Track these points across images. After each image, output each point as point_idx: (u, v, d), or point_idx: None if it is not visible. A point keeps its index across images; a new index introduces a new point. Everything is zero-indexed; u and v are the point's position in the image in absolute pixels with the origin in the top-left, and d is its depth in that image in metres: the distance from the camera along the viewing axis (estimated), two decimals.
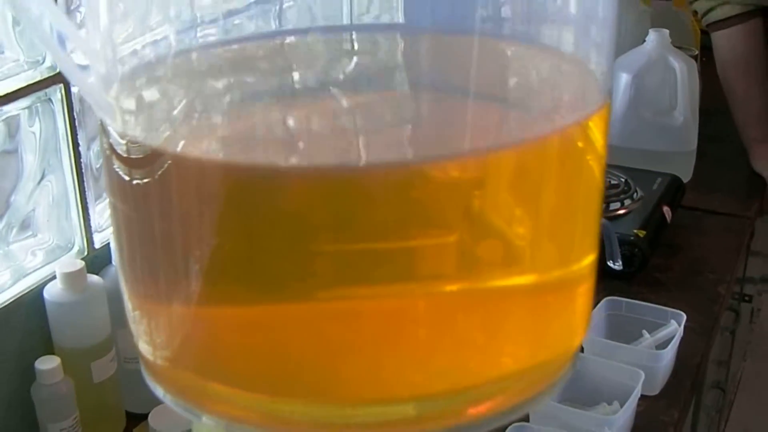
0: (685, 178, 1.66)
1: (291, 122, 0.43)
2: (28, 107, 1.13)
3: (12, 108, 1.10)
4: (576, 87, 0.46)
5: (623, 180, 1.54)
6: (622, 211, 1.48)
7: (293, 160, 0.40)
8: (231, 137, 0.42)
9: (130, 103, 0.43)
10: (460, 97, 0.43)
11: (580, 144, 0.42)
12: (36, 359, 1.10)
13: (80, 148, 1.17)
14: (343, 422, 0.41)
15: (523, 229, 0.41)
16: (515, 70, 0.46)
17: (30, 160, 1.15)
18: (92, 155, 1.21)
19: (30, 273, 1.16)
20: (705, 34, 2.14)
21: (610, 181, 1.54)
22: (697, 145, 1.72)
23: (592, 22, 0.45)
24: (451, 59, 0.46)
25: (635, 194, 1.51)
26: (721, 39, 1.83)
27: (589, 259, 0.45)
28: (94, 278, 1.14)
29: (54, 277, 1.12)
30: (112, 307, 1.14)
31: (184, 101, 0.43)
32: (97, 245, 1.22)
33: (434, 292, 0.40)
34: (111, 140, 0.41)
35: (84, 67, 0.41)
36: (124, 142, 0.40)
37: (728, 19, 1.80)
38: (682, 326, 1.23)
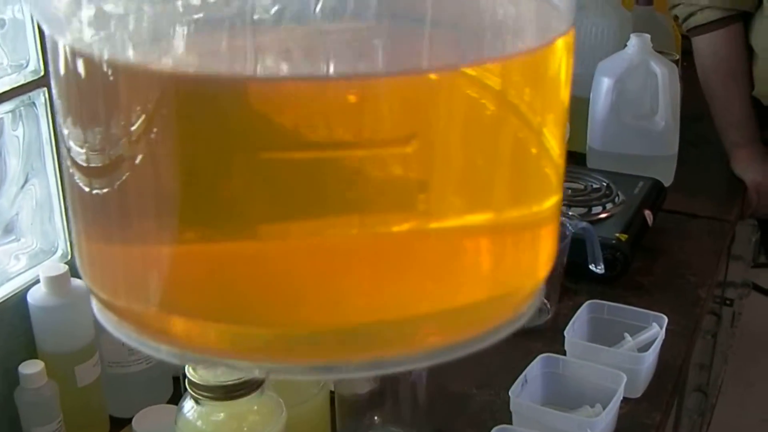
0: (667, 182, 1.67)
1: (241, 40, 0.42)
2: (12, 111, 1.13)
3: None
4: (536, 12, 0.46)
5: (605, 184, 1.55)
6: (603, 215, 1.49)
7: (235, 70, 0.39)
8: (178, 49, 0.41)
9: (82, 15, 0.42)
10: (421, 24, 0.44)
11: (539, 71, 0.42)
12: (19, 363, 1.09)
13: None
14: (295, 346, 0.42)
15: (477, 158, 0.41)
16: None
17: (13, 163, 1.15)
18: None
19: (13, 277, 1.16)
20: (686, 38, 2.15)
21: (591, 185, 1.55)
22: (678, 149, 1.73)
23: None
24: None
25: (617, 198, 1.52)
26: (701, 44, 1.84)
27: (551, 201, 0.46)
28: (77, 282, 1.13)
29: (37, 281, 1.12)
30: None
31: (137, 15, 0.42)
32: None
33: (387, 219, 0.40)
34: (60, 62, 0.41)
35: None
36: (71, 59, 0.40)
37: (709, 24, 1.81)
38: (664, 329, 1.24)
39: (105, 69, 0.39)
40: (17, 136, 1.15)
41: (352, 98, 0.38)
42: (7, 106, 1.11)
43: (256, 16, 0.44)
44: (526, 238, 0.46)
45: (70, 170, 0.43)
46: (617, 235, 1.43)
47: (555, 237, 0.48)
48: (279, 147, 0.38)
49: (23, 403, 1.10)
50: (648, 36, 1.67)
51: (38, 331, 1.13)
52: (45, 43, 1.15)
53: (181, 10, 0.44)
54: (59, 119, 0.44)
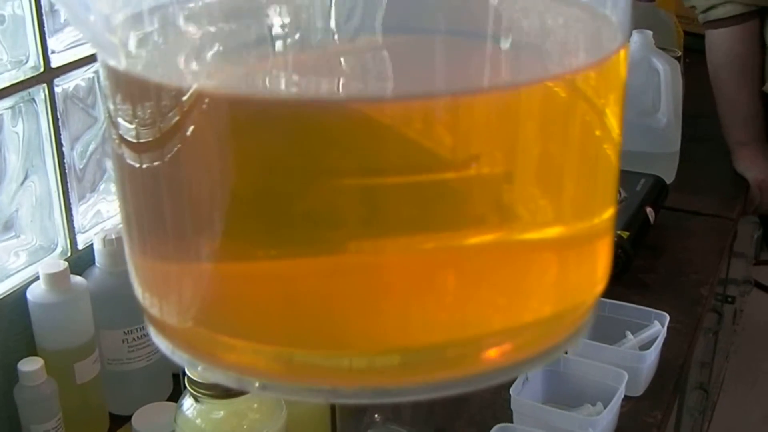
0: (669, 179, 1.66)
1: (311, 60, 0.43)
2: (11, 107, 1.12)
3: None
4: (589, 31, 0.46)
5: None
6: None
7: (308, 92, 0.39)
8: (242, 72, 0.41)
9: (135, 41, 0.42)
10: (475, 41, 0.43)
11: (593, 87, 0.42)
12: (19, 360, 1.09)
13: (63, 149, 1.17)
14: (357, 371, 0.41)
15: (543, 176, 0.41)
16: (526, 14, 0.46)
17: (13, 160, 1.15)
18: (75, 156, 1.21)
19: (13, 274, 1.16)
20: (689, 35, 2.15)
21: None
22: (680, 146, 1.72)
23: None
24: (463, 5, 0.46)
25: (619, 195, 1.51)
26: (717, 38, 1.84)
27: (609, 213, 0.45)
28: (77, 279, 1.13)
29: (37, 278, 1.12)
30: (95, 308, 1.14)
31: (194, 39, 0.43)
32: (80, 246, 1.22)
33: (451, 241, 0.39)
34: (111, 86, 0.41)
35: (85, 6, 0.41)
36: (126, 83, 0.40)
37: (728, 18, 1.80)
38: (665, 327, 1.24)
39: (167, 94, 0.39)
40: (17, 133, 1.15)
41: (430, 118, 0.38)
42: (7, 102, 1.11)
43: (310, 36, 0.44)
44: (590, 250, 0.45)
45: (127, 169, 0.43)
46: (619, 232, 1.42)
47: (611, 249, 0.47)
48: (354, 168, 0.38)
49: (22, 401, 1.10)
50: (650, 32, 1.66)
51: (37, 328, 1.13)
52: (45, 39, 1.16)
53: (232, 27, 0.44)
54: (109, 144, 0.44)
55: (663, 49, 1.71)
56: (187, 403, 0.89)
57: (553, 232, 0.42)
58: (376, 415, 1.10)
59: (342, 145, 0.38)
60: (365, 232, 0.39)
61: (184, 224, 0.40)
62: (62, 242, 1.20)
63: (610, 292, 1.40)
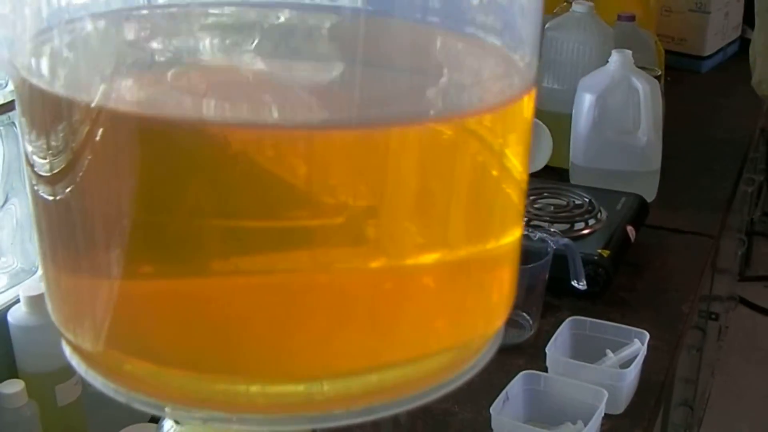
0: (649, 197, 1.67)
1: (198, 82, 0.43)
2: None
3: None
4: (496, 72, 0.47)
5: (587, 200, 1.55)
6: (586, 231, 1.49)
7: (183, 114, 0.39)
8: (136, 90, 0.41)
9: (45, 62, 0.42)
10: (378, 72, 0.44)
11: (488, 129, 0.42)
12: None
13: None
14: (247, 400, 0.41)
15: (431, 205, 0.41)
16: (436, 51, 0.47)
17: None
18: None
19: None
20: (669, 54, 2.17)
21: (574, 201, 1.55)
22: (661, 164, 1.73)
23: (517, 13, 0.46)
24: (376, 38, 0.47)
25: (599, 214, 1.52)
26: None
27: (505, 241, 0.46)
28: None
29: (18, 301, 1.12)
30: None
31: (99, 58, 0.43)
32: None
33: (338, 268, 0.40)
34: (23, 106, 0.41)
35: None
36: (37, 109, 0.40)
37: None
38: (645, 345, 1.24)
39: (64, 105, 0.39)
40: None
41: (304, 145, 0.39)
42: None
43: (209, 56, 0.44)
44: (482, 282, 0.46)
45: (36, 193, 0.43)
46: (599, 251, 1.43)
47: (511, 283, 0.48)
48: (215, 202, 0.38)
49: (3, 423, 1.09)
50: (629, 52, 1.67)
51: (18, 350, 1.13)
52: None
53: (139, 47, 0.44)
54: (24, 143, 0.44)
55: (643, 68, 1.72)
56: (167, 425, 0.89)
57: (434, 265, 0.42)
58: None
59: (208, 171, 0.38)
60: (230, 265, 0.39)
61: (81, 242, 0.41)
62: None
63: (590, 311, 1.41)
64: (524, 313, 1.34)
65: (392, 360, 0.42)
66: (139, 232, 0.39)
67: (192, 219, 0.39)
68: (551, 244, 1.32)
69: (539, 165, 1.78)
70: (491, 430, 1.12)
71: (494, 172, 0.44)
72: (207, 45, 0.45)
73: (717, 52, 2.58)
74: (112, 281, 0.41)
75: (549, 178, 1.74)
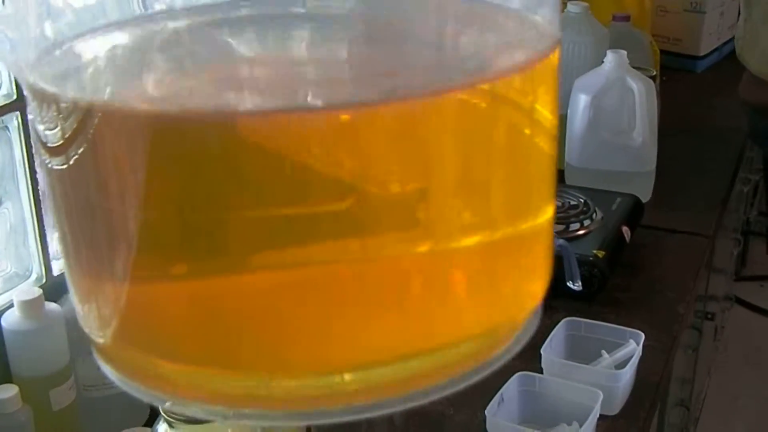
0: (645, 197, 1.67)
1: (217, 75, 0.42)
2: None
3: None
4: (517, 34, 0.46)
5: (582, 200, 1.55)
6: (581, 232, 1.49)
7: (207, 107, 0.39)
8: (157, 89, 0.41)
9: (59, 65, 0.42)
10: (399, 46, 0.43)
11: (521, 91, 0.42)
12: None
13: (37, 176, 1.17)
14: (285, 394, 0.41)
15: (473, 180, 0.40)
16: (457, 19, 0.46)
17: None
18: None
19: None
20: (664, 53, 2.17)
21: (569, 202, 1.55)
22: (656, 164, 1.73)
23: None
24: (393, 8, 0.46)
25: (594, 215, 1.52)
26: None
27: (543, 218, 0.45)
28: (52, 306, 1.13)
29: (12, 305, 1.12)
30: (70, 334, 1.14)
31: (111, 60, 0.43)
32: (55, 273, 1.21)
33: (376, 255, 0.39)
34: (40, 114, 0.41)
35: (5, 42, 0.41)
36: (52, 124, 0.40)
37: None
38: (641, 346, 1.24)
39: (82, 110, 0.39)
40: None
41: (341, 128, 0.38)
42: None
43: (225, 50, 0.43)
44: (527, 257, 0.45)
45: (54, 194, 0.43)
46: (594, 251, 1.43)
47: (548, 255, 0.47)
48: (252, 194, 0.38)
49: None
50: (624, 52, 1.67)
51: (12, 355, 1.13)
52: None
53: (152, 45, 0.44)
54: (39, 173, 0.44)
55: (638, 68, 1.72)
56: (162, 428, 0.89)
57: (475, 247, 0.41)
58: None
59: (240, 167, 0.37)
60: (267, 257, 0.38)
61: (107, 245, 0.40)
62: (37, 269, 1.20)
63: (585, 312, 1.40)
64: None
65: (428, 346, 0.41)
66: (170, 231, 0.39)
67: (222, 213, 0.38)
68: None
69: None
70: (486, 431, 1.11)
71: (530, 142, 0.43)
72: (222, 40, 0.45)
73: (712, 52, 2.58)
74: (140, 282, 0.40)
75: None
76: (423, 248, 0.40)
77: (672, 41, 2.52)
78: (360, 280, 0.39)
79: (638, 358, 1.23)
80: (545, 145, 0.44)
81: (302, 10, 0.48)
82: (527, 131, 0.43)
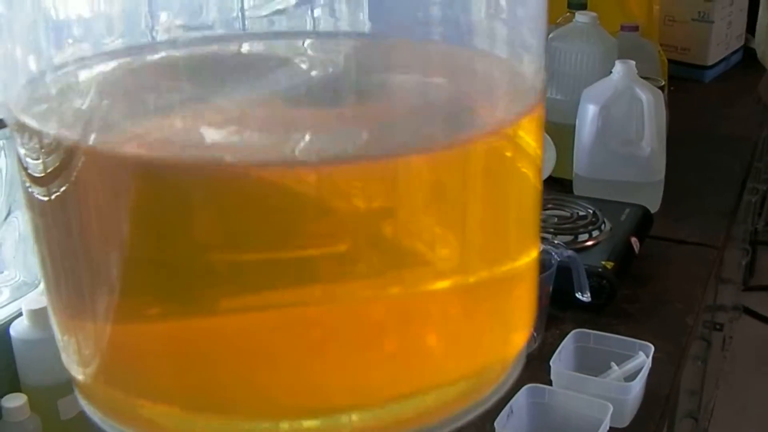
0: (653, 208, 1.67)
1: (202, 121, 0.42)
2: None
3: None
4: (505, 88, 0.46)
5: (591, 211, 1.55)
6: (590, 243, 1.48)
7: (192, 156, 0.38)
8: (141, 133, 0.41)
9: (39, 105, 0.42)
10: (386, 100, 0.43)
11: (506, 146, 0.42)
12: (2, 397, 1.09)
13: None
14: None
15: (447, 235, 0.41)
16: (445, 71, 0.46)
17: None
18: None
19: None
20: (672, 63, 2.17)
21: (578, 213, 1.55)
22: (664, 175, 1.73)
23: (522, 23, 0.46)
24: (378, 63, 0.46)
25: (603, 225, 1.52)
26: None
27: (524, 261, 0.45)
28: None
29: (20, 314, 1.12)
30: None
31: (94, 99, 0.43)
32: None
33: (350, 301, 0.39)
34: (23, 151, 0.41)
35: None
36: (35, 155, 0.40)
37: None
38: (650, 358, 1.24)
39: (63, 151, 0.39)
40: (0, 169, 1.15)
41: (321, 182, 0.38)
42: None
43: (212, 94, 0.43)
44: (501, 305, 0.45)
45: (37, 230, 0.43)
46: (603, 263, 1.43)
47: (530, 300, 0.47)
48: (239, 242, 0.38)
49: None
50: (633, 62, 1.67)
51: (21, 364, 1.13)
52: None
53: (140, 90, 0.44)
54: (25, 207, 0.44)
55: (647, 78, 1.72)
56: None
57: (457, 290, 0.41)
58: None
59: (222, 211, 0.38)
60: (243, 301, 0.38)
61: (84, 284, 0.40)
62: None
63: (594, 323, 1.39)
64: None
65: (412, 390, 0.41)
66: (149, 274, 0.39)
67: (199, 257, 0.38)
68: (555, 256, 1.31)
69: (543, 176, 1.77)
70: None
71: (514, 188, 0.43)
72: (214, 78, 0.45)
73: (720, 62, 2.58)
74: (118, 321, 0.40)
75: (552, 189, 1.73)
76: (399, 292, 0.40)
77: (680, 51, 2.51)
78: (337, 324, 0.40)
79: (648, 370, 1.22)
80: (529, 192, 0.45)
81: (302, 57, 0.48)
82: (509, 183, 0.43)
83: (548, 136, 1.76)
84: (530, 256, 0.46)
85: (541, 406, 1.16)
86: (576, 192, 1.71)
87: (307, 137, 0.41)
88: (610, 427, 1.13)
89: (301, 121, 0.42)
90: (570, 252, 1.34)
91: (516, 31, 0.46)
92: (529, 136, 0.43)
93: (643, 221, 1.58)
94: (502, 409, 1.12)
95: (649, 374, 1.23)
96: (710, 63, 2.54)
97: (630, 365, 1.24)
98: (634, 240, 1.51)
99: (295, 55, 0.49)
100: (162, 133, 0.41)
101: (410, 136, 0.41)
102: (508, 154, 0.42)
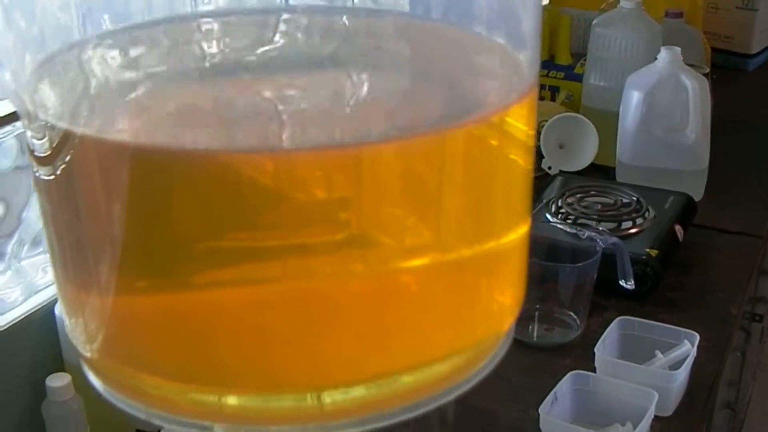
0: (697, 196, 1.65)
1: (191, 108, 0.43)
2: None
3: None
4: (500, 73, 0.46)
5: (635, 198, 1.53)
6: (633, 230, 1.47)
7: (169, 143, 0.39)
8: (134, 118, 0.42)
9: (43, 91, 0.43)
10: (378, 82, 0.43)
11: (490, 133, 0.42)
12: (47, 376, 1.09)
13: None
14: (256, 412, 0.41)
15: (433, 209, 0.41)
16: (440, 54, 0.46)
17: None
18: None
19: (41, 290, 1.16)
20: (716, 51, 2.14)
21: (621, 200, 1.54)
22: (708, 163, 1.71)
23: (517, 9, 0.45)
24: (373, 43, 0.46)
25: (647, 213, 1.51)
26: None
27: (510, 238, 0.45)
28: None
29: None
30: None
31: (95, 85, 0.43)
32: None
33: (343, 279, 0.39)
34: (30, 133, 0.42)
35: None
36: (39, 136, 0.40)
37: None
38: (695, 347, 1.22)
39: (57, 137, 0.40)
40: None
41: (307, 167, 0.38)
42: None
43: (200, 79, 0.43)
44: (487, 283, 0.45)
45: (45, 212, 0.44)
46: (647, 250, 1.41)
47: (519, 278, 0.46)
48: (234, 221, 0.38)
49: (50, 416, 1.10)
50: (678, 49, 1.65)
51: (65, 343, 1.13)
52: None
53: (123, 77, 0.44)
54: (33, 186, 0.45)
55: (691, 65, 1.70)
56: None
57: (435, 269, 0.41)
58: None
59: (212, 194, 0.38)
60: (236, 275, 0.39)
61: (87, 263, 0.41)
62: None
63: (638, 311, 1.39)
64: (572, 313, 1.33)
65: (393, 369, 0.41)
66: (139, 252, 0.40)
67: (191, 237, 0.39)
68: (600, 243, 1.30)
69: (585, 163, 1.77)
70: (539, 430, 1.10)
71: (499, 171, 0.43)
72: (199, 66, 0.45)
73: (764, 50, 2.55)
74: (119, 296, 0.41)
75: (594, 176, 1.72)
76: (369, 270, 0.40)
77: (723, 39, 2.49)
78: (328, 299, 0.40)
79: (693, 359, 1.21)
80: (515, 174, 0.45)
81: (281, 35, 0.48)
82: (494, 167, 0.43)
83: (591, 123, 1.75)
84: (518, 233, 0.46)
85: (585, 393, 1.16)
86: (618, 179, 1.70)
87: (292, 124, 0.41)
88: (654, 416, 1.12)
89: (279, 106, 0.42)
90: (615, 239, 1.33)
91: (508, 14, 0.46)
92: (519, 122, 0.43)
93: (687, 209, 1.56)
94: (545, 395, 1.12)
95: (692, 364, 1.22)
96: (754, 51, 2.51)
97: (675, 353, 1.23)
98: (678, 228, 1.50)
99: (274, 34, 0.49)
100: (151, 120, 0.42)
101: (383, 123, 0.41)
102: (493, 141, 0.42)
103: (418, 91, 0.44)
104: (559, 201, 1.53)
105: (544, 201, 1.55)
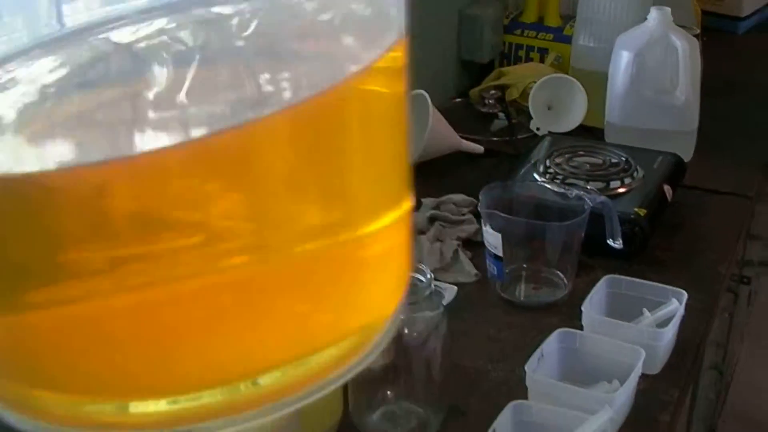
0: (686, 157, 1.65)
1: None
2: None
3: None
4: (363, 27, 0.43)
5: (624, 158, 1.53)
6: (622, 190, 1.46)
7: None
8: None
9: None
10: (232, 66, 0.40)
11: (352, 97, 0.40)
12: None
13: None
14: (122, 419, 0.40)
15: (302, 191, 0.39)
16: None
17: None
18: None
19: None
20: (706, 14, 2.13)
21: (610, 160, 1.53)
22: (698, 125, 1.70)
23: None
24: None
25: (636, 173, 1.50)
26: None
27: (391, 216, 0.44)
28: None
29: None
30: None
31: None
32: None
33: (216, 274, 0.38)
34: None
35: None
36: None
37: None
38: (683, 305, 1.22)
39: None
40: None
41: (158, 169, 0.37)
42: None
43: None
44: (365, 268, 0.43)
45: None
46: (636, 210, 1.41)
47: (402, 260, 0.45)
48: (81, 235, 0.38)
49: None
50: (668, 9, 1.64)
51: None
52: None
53: None
54: None
55: (681, 26, 1.69)
56: None
57: (312, 255, 0.40)
58: (388, 392, 1.09)
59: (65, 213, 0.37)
60: (112, 283, 0.38)
61: None
62: None
63: (626, 270, 1.38)
64: (559, 272, 1.32)
65: (272, 362, 0.40)
66: (19, 264, 0.39)
67: (62, 249, 0.38)
68: (588, 201, 1.30)
69: (573, 124, 1.76)
70: (525, 388, 1.10)
71: (371, 142, 0.41)
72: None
73: (754, 13, 2.54)
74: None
75: (583, 137, 1.71)
76: (262, 259, 0.39)
77: (714, 1, 2.47)
78: (212, 296, 0.39)
79: (681, 317, 1.21)
80: (389, 142, 0.43)
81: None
82: (363, 135, 0.41)
83: (579, 83, 1.74)
84: (397, 212, 0.44)
85: (572, 350, 1.15)
86: (607, 139, 1.69)
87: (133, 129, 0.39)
88: (642, 374, 1.12)
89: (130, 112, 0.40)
90: (603, 198, 1.33)
91: None
92: (386, 79, 0.41)
93: (676, 169, 1.56)
94: (531, 353, 1.11)
95: (680, 323, 1.22)
96: (744, 14, 2.50)
97: (662, 312, 1.23)
98: (666, 188, 1.49)
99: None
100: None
101: (220, 116, 0.39)
102: (356, 104, 0.40)
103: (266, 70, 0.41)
104: (547, 161, 1.52)
105: (532, 161, 1.55)
